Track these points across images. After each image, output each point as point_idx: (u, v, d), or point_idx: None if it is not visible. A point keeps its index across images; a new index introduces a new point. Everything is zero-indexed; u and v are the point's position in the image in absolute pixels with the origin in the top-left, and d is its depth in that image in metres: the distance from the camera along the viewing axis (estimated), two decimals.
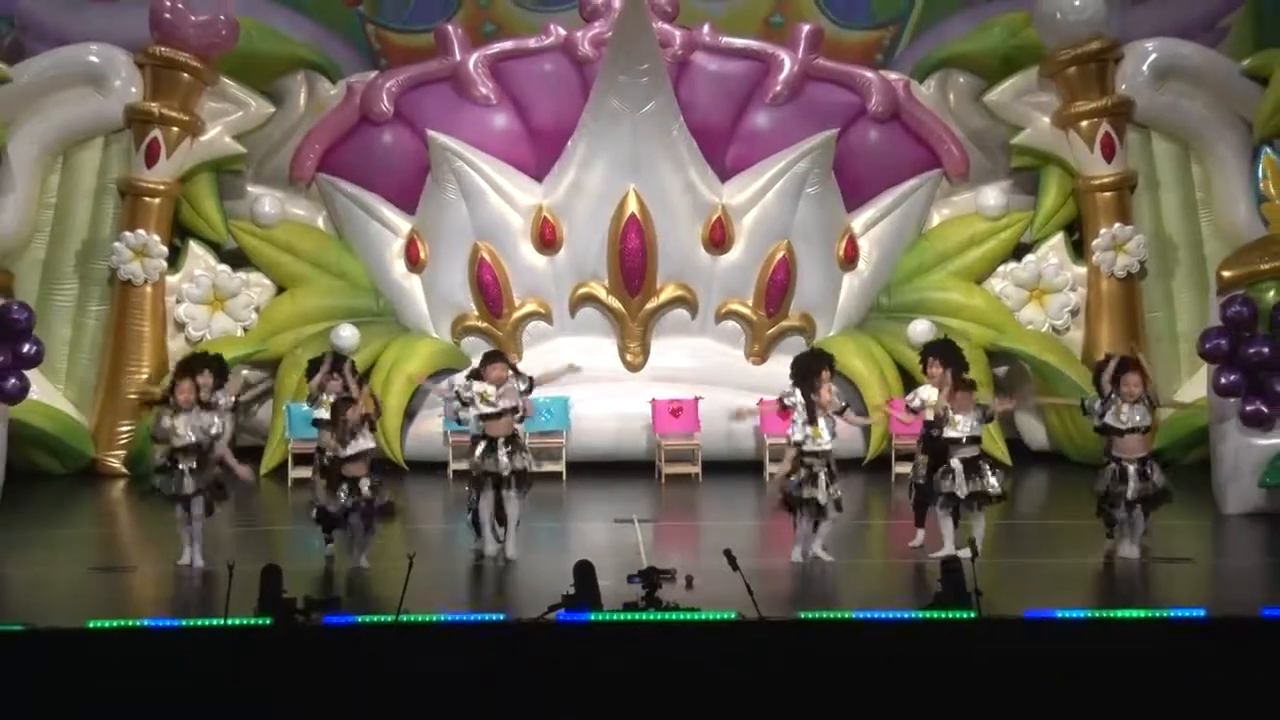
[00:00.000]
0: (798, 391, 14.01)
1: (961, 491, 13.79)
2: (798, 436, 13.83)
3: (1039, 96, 19.14)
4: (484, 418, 13.95)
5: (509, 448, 13.90)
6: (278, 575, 11.28)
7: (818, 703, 9.40)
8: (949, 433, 13.94)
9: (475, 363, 14.73)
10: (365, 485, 13.64)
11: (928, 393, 14.39)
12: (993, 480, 13.90)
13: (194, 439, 13.87)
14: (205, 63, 18.71)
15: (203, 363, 14.55)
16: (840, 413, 14.01)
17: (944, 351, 14.67)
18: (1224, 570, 14.53)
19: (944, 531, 13.94)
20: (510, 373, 14.11)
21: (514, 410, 14.00)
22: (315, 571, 13.52)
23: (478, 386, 14.03)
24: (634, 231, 18.58)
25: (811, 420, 13.81)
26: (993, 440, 18.21)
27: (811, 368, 14.10)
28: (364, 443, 13.67)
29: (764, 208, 18.76)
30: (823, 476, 13.77)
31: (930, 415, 14.17)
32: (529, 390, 14.16)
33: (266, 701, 9.34)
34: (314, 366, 14.98)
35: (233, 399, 14.88)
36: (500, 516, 14.04)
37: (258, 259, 19.21)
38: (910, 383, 17.03)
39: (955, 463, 13.87)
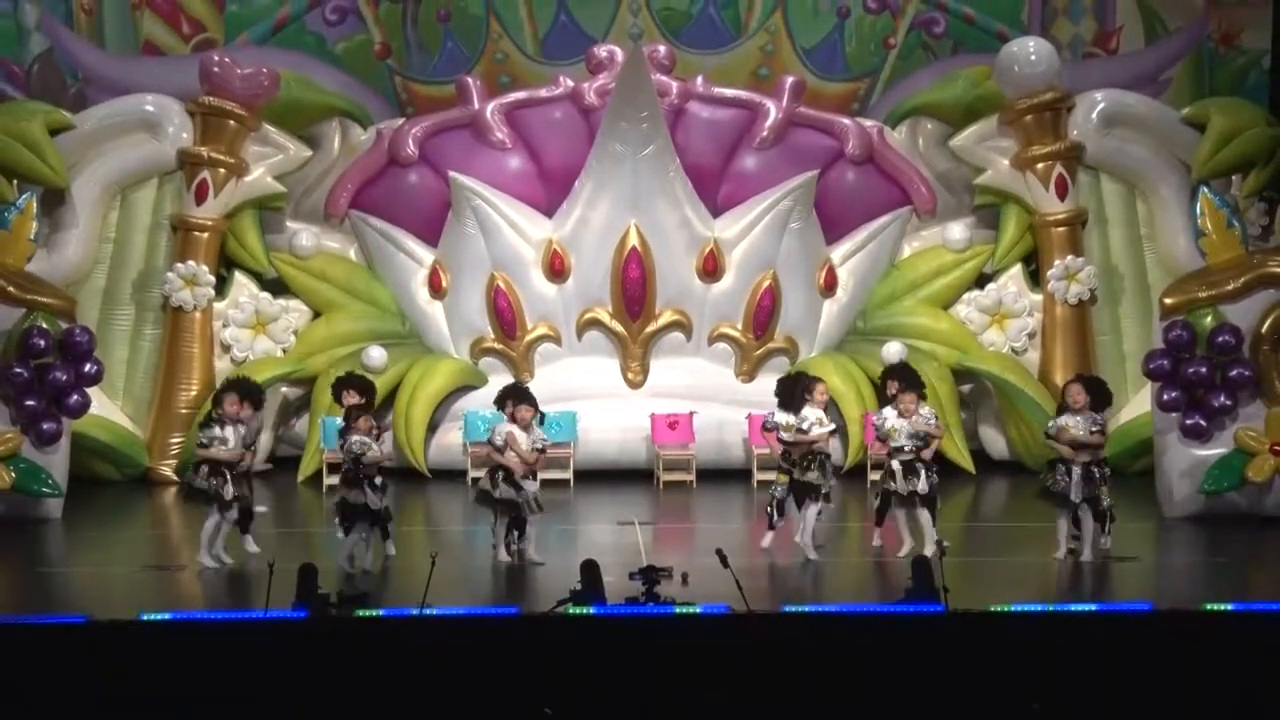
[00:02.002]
0: (779, 413, 14.06)
1: (903, 489, 13.76)
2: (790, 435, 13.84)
3: (999, 141, 19.10)
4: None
5: (527, 479, 13.75)
6: (313, 573, 11.25)
7: (801, 687, 9.38)
8: (892, 442, 13.93)
9: (492, 381, 14.50)
10: (378, 485, 13.55)
11: (893, 417, 14.19)
12: (925, 482, 13.81)
13: (236, 448, 13.81)
14: (249, 111, 18.69)
15: (243, 384, 14.43)
16: (833, 433, 14.05)
17: (900, 374, 14.69)
18: (1168, 568, 14.49)
19: (902, 531, 13.93)
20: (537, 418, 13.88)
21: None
22: (348, 569, 13.46)
23: (502, 429, 13.82)
24: (635, 262, 18.54)
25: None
26: (958, 450, 18.23)
27: (796, 390, 14.16)
28: (373, 452, 13.62)
29: (752, 241, 18.73)
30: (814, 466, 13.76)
31: (897, 440, 14.05)
32: (543, 451, 13.95)
33: (302, 686, 9.31)
34: (339, 384, 14.87)
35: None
36: (520, 526, 13.93)
37: (296, 287, 19.17)
38: (884, 397, 16.92)
39: (895, 464, 13.86)
